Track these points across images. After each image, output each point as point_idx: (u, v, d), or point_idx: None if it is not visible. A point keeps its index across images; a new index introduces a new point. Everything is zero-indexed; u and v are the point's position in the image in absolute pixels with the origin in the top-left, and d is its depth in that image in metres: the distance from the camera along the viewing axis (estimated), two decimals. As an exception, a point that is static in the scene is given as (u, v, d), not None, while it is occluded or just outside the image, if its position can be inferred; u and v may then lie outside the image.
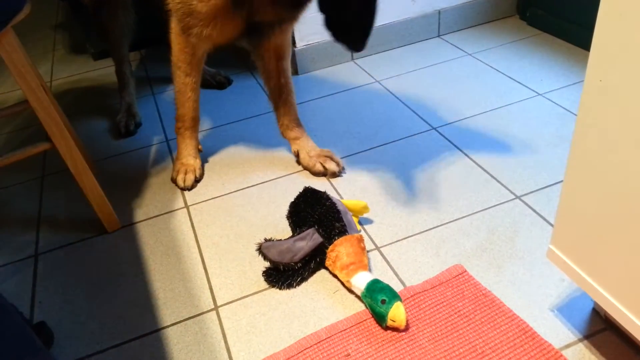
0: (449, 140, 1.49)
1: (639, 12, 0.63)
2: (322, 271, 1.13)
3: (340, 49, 1.97)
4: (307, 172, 1.45)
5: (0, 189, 1.58)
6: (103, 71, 2.22)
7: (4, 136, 1.85)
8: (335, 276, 1.11)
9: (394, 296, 0.97)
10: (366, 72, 1.92)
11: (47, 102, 1.16)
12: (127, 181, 1.53)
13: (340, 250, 1.08)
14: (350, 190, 1.37)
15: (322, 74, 1.94)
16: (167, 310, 1.10)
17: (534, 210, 1.22)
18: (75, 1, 2.19)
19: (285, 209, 1.28)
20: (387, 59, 1.99)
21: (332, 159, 1.43)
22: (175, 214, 1.37)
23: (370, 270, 1.10)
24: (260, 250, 1.12)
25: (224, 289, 1.13)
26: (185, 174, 1.45)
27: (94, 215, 1.32)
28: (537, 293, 1.02)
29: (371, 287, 1.00)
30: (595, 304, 0.97)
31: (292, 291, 1.10)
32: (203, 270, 1.19)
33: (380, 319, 0.97)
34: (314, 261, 1.13)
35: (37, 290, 1.20)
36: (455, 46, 1.99)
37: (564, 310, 0.98)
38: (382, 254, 1.16)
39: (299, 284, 1.11)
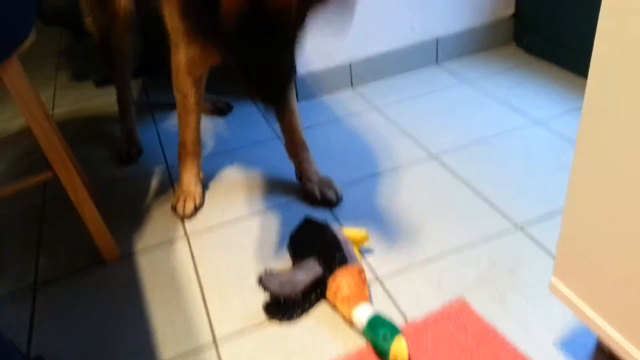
0: (448, 168, 1.50)
1: (635, 43, 0.64)
2: (323, 304, 1.13)
3: (339, 75, 1.99)
4: (308, 198, 1.45)
5: (-1, 217, 1.58)
6: (105, 98, 2.23)
7: (6, 163, 1.86)
8: (335, 308, 1.10)
9: (395, 331, 0.96)
10: (365, 99, 1.93)
11: (50, 131, 1.16)
12: (128, 209, 1.52)
13: (341, 282, 1.07)
14: (350, 218, 1.36)
15: (321, 101, 1.96)
16: (166, 344, 1.09)
17: (535, 241, 1.21)
18: (78, 28, 2.21)
19: (285, 237, 1.28)
20: (386, 86, 2.00)
21: (330, 187, 1.43)
22: (174, 243, 1.37)
23: (371, 301, 1.10)
24: (261, 282, 1.11)
25: (224, 321, 1.12)
26: (185, 201, 1.45)
27: (94, 244, 1.31)
28: (540, 327, 1.01)
29: (373, 322, 0.99)
30: (599, 338, 0.96)
31: (292, 325, 1.09)
32: (202, 302, 1.18)
33: (382, 354, 0.96)
34: (315, 293, 1.12)
35: (35, 322, 1.19)
36: (453, 73, 2.01)
37: (568, 344, 0.97)
38: (382, 285, 1.15)
39: (299, 316, 1.10)
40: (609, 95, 0.70)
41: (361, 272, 1.10)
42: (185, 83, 1.36)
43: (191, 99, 1.39)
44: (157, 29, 1.46)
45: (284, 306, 1.10)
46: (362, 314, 1.02)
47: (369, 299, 1.07)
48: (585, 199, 0.79)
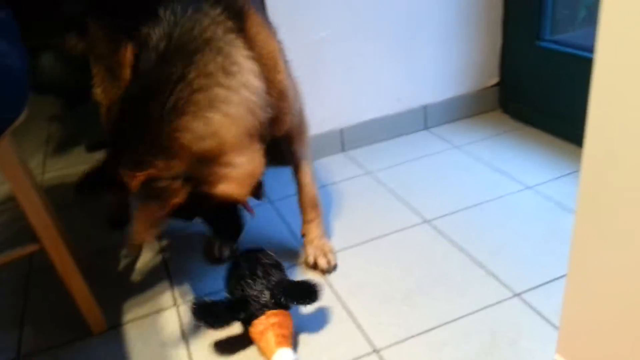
0: (443, 234, 1.49)
1: (629, 120, 0.65)
2: None
3: (330, 140, 2.02)
4: (304, 262, 1.43)
5: (-18, 287, 1.53)
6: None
7: (-9, 230, 1.82)
8: (258, 342, 1.13)
9: None
10: (357, 163, 1.95)
11: (38, 205, 1.14)
12: (116, 276, 1.49)
13: (275, 320, 1.12)
14: (345, 285, 1.34)
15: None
16: None
17: (534, 310, 1.19)
18: (71, 96, 2.24)
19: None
20: (377, 150, 2.03)
21: (325, 255, 1.41)
22: (164, 313, 1.33)
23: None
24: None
25: (216, 400, 1.07)
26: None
27: (81, 315, 1.26)
28: (545, 401, 0.98)
29: None
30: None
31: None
32: (193, 378, 1.13)
33: None
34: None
35: (15, 403, 1.13)
36: (443, 138, 2.05)
37: (575, 421, 0.94)
38: (381, 358, 1.11)
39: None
40: (608, 161, 0.70)
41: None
42: None
43: None
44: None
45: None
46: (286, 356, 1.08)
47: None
48: (587, 275, 0.78)
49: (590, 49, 0.68)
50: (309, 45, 1.83)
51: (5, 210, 1.42)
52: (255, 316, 1.12)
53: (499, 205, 1.60)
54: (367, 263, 1.41)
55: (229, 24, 1.07)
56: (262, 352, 1.13)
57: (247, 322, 1.15)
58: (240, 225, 1.32)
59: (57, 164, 2.28)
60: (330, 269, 1.39)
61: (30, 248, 1.20)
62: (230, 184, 1.06)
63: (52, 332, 1.31)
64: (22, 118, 1.12)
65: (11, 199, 1.27)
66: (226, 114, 1.02)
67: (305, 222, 1.47)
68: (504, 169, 1.79)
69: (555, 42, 1.91)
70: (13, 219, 1.85)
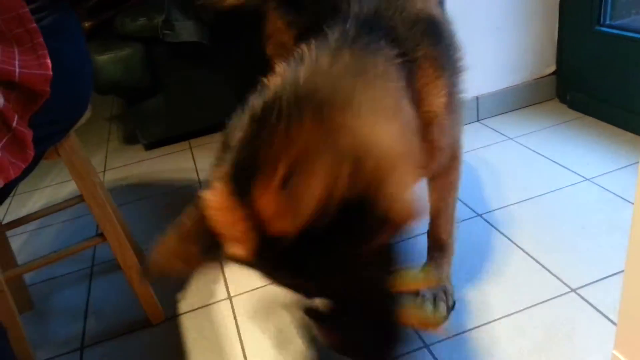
0: (496, 228, 1.46)
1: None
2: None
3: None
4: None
5: (50, 279, 1.63)
6: (153, 161, 2.32)
7: (59, 225, 1.93)
8: None
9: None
10: (407, 157, 1.93)
11: (102, 200, 1.21)
12: (173, 271, 1.54)
13: None
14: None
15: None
16: (210, 412, 1.07)
17: (592, 305, 1.15)
18: (131, 95, 2.33)
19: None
20: (428, 144, 2.00)
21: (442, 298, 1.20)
22: (218, 306, 1.37)
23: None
24: None
25: (268, 389, 1.10)
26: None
27: (140, 306, 1.33)
28: (603, 401, 0.95)
29: None
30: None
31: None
32: (246, 368, 1.16)
33: None
34: None
35: (82, 387, 1.20)
36: (496, 130, 2.00)
37: (637, 422, 0.90)
38: (431, 353, 1.11)
39: None
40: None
41: None
42: None
43: None
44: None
45: None
46: None
47: None
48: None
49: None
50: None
51: (67, 208, 1.51)
52: None
53: (556, 198, 1.54)
54: (419, 258, 1.40)
55: (398, 70, 0.92)
56: None
57: None
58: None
59: (117, 162, 2.39)
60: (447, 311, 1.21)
61: (96, 241, 1.27)
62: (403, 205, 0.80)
63: (114, 323, 1.38)
64: (86, 117, 1.19)
65: (72, 198, 1.34)
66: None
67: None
68: (561, 160, 1.72)
69: (617, 26, 1.81)
70: (75, 216, 1.96)
